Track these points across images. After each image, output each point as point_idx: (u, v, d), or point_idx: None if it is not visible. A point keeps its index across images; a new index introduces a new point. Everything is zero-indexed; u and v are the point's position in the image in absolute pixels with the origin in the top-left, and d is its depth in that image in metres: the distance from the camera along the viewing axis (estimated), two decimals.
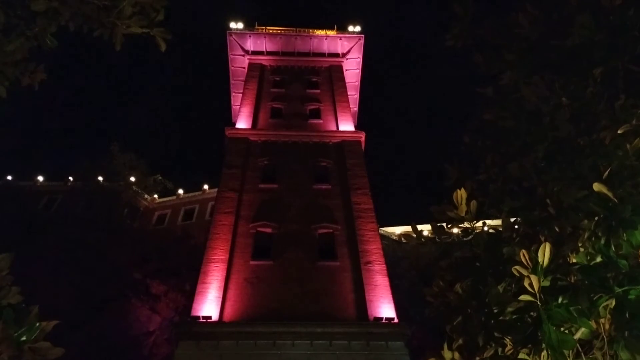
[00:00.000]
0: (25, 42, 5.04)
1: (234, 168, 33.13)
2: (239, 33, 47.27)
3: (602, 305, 3.45)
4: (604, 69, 4.62)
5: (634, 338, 3.38)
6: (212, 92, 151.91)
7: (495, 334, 3.80)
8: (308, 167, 33.76)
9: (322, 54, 47.48)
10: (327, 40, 47.82)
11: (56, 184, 56.59)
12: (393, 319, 24.11)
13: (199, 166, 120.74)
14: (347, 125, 38.52)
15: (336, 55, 47.67)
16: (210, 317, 23.81)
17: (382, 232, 39.90)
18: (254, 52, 46.92)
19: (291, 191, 31.66)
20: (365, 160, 34.84)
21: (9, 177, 55.78)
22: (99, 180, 54.23)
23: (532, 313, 3.47)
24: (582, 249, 3.95)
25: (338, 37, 48.08)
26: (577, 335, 3.54)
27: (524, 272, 3.47)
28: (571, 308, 3.38)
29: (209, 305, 24.50)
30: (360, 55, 48.52)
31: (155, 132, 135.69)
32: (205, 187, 56.15)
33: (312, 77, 44.56)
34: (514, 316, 3.61)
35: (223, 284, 25.58)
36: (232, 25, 47.79)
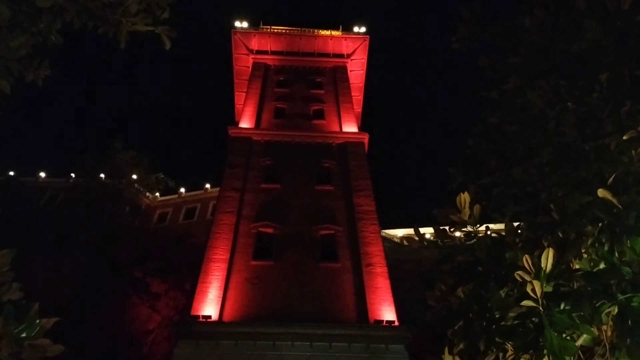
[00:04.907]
0: (30, 38, 5.04)
1: (237, 167, 33.10)
2: (243, 32, 47.25)
3: (605, 312, 3.44)
4: (610, 74, 4.60)
5: (636, 345, 3.37)
6: (216, 90, 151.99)
7: (497, 339, 3.78)
8: (310, 167, 33.69)
9: (327, 55, 47.33)
10: (332, 40, 47.73)
11: (58, 181, 56.67)
12: (394, 321, 24.07)
13: (201, 165, 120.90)
14: (350, 127, 38.45)
15: (341, 55, 47.53)
16: (210, 317, 23.80)
17: (384, 234, 39.82)
18: (259, 52, 46.85)
19: (293, 192, 31.60)
20: (368, 162, 34.78)
21: (11, 173, 55.90)
22: (100, 178, 54.28)
23: (534, 319, 3.45)
24: (585, 255, 3.93)
25: (343, 37, 47.98)
26: (579, 342, 3.53)
27: (527, 278, 3.46)
28: (573, 314, 3.37)
29: (209, 304, 24.49)
30: (365, 57, 48.38)
31: (157, 130, 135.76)
32: (207, 186, 56.14)
33: (316, 77, 44.47)
34: (516, 321, 3.60)
35: (223, 283, 25.56)
36: (237, 24, 47.76)
